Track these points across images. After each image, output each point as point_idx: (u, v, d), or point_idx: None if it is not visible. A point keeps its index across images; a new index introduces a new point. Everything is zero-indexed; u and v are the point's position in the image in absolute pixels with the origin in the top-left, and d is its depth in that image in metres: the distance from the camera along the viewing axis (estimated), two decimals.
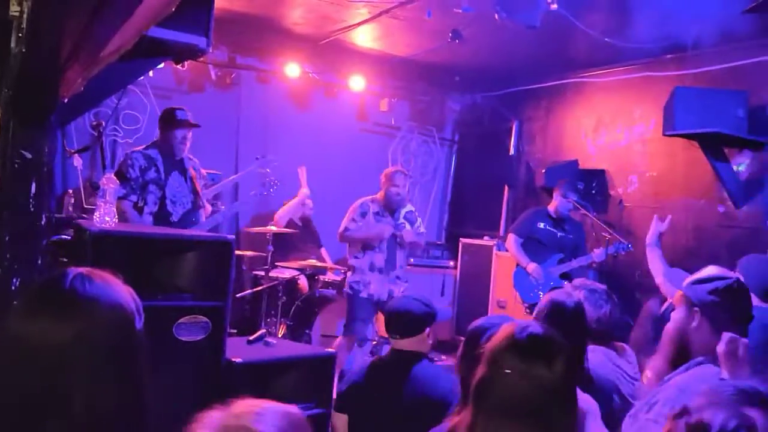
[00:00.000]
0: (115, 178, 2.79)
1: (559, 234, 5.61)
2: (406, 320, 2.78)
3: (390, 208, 5.21)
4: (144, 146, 4.34)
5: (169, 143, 4.32)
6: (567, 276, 5.55)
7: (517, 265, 5.69)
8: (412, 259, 6.78)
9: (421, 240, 5.55)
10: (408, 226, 5.25)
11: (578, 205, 5.61)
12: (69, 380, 1.12)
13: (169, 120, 4.33)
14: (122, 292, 1.24)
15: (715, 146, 4.97)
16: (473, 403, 1.53)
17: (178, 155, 4.35)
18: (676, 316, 2.15)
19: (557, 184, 5.71)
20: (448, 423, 1.87)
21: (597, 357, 2.63)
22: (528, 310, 5.59)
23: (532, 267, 5.52)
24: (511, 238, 5.78)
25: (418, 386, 2.64)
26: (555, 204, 5.63)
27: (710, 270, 2.17)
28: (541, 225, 5.63)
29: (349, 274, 5.33)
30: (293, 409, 1.14)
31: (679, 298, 2.16)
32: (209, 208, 4.70)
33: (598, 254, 5.36)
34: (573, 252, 5.64)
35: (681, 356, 2.08)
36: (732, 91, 4.88)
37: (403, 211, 5.28)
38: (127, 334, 1.21)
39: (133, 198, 4.13)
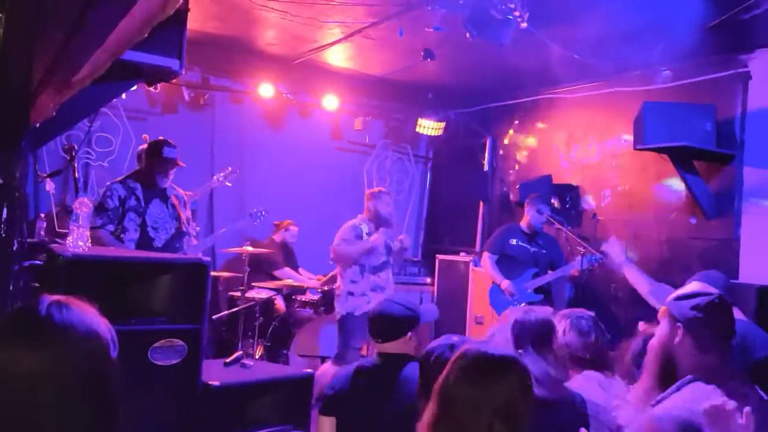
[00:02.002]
0: (88, 202, 2.77)
1: (532, 249, 5.66)
2: (387, 324, 2.77)
3: (379, 225, 5.22)
4: (124, 176, 4.35)
5: (152, 177, 4.32)
6: (542, 290, 5.60)
7: (493, 282, 5.73)
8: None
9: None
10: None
11: (552, 220, 5.67)
12: (41, 410, 1.10)
13: (156, 155, 4.32)
14: (97, 320, 1.22)
15: (685, 159, 5.06)
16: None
17: (161, 186, 4.35)
18: (660, 332, 2.17)
19: (528, 199, 5.77)
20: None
21: (590, 384, 2.64)
22: None
23: (505, 284, 5.55)
24: (486, 255, 5.82)
25: (406, 388, 2.62)
26: (527, 219, 5.69)
27: (694, 286, 2.21)
28: (514, 241, 5.68)
29: (341, 301, 5.22)
30: None
31: (662, 314, 2.18)
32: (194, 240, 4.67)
33: (571, 266, 5.42)
34: (548, 266, 5.68)
35: (667, 372, 2.09)
36: (700, 105, 4.98)
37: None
38: (101, 363, 1.19)
39: (110, 228, 4.14)
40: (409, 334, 2.77)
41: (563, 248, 5.88)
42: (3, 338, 1.15)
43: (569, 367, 2.71)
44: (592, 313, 2.89)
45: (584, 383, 2.60)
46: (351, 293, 5.13)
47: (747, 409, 1.80)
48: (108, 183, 4.34)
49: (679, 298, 2.14)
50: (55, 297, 1.21)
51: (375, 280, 5.14)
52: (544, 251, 5.67)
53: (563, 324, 2.74)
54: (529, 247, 5.65)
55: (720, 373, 1.99)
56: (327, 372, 4.97)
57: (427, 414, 1.62)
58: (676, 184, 5.33)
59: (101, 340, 1.20)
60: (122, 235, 4.15)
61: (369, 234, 5.20)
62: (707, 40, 4.51)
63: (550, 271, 5.62)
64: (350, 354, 5.04)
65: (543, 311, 2.68)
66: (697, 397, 1.92)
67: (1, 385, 1.11)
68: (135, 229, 4.19)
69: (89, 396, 1.15)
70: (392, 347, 2.75)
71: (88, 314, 1.21)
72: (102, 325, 1.22)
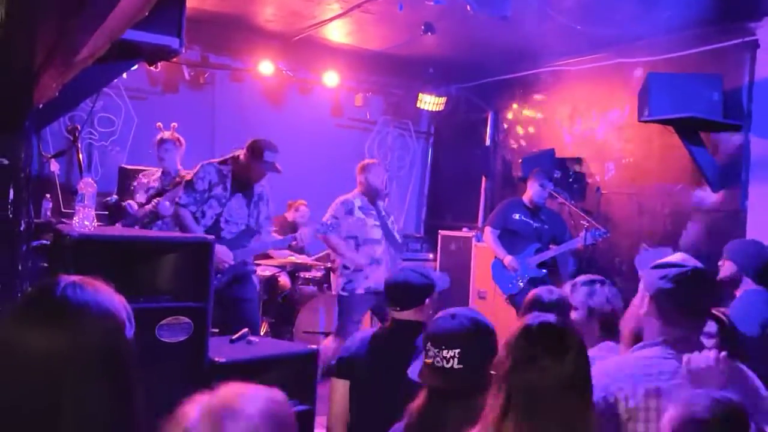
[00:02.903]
0: (92, 182, 2.77)
1: (534, 224, 5.66)
2: (406, 292, 2.79)
3: (372, 197, 5.17)
4: (221, 159, 4.29)
5: (248, 174, 4.29)
6: (546, 265, 5.61)
7: (495, 257, 5.74)
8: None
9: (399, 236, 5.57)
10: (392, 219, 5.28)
11: (555, 194, 5.67)
12: (59, 389, 1.11)
13: (257, 156, 4.27)
14: (113, 299, 1.23)
15: (690, 131, 5.02)
16: (495, 386, 1.57)
17: (249, 185, 4.34)
18: (635, 300, 2.10)
19: (531, 174, 5.76)
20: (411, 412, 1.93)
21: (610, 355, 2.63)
22: (508, 301, 5.64)
23: (508, 259, 5.56)
24: (488, 230, 5.81)
25: (412, 356, 2.66)
26: (530, 193, 5.67)
27: (675, 257, 2.09)
28: (517, 216, 5.67)
29: (338, 275, 5.19)
30: (276, 392, 1.16)
31: (641, 282, 2.11)
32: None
33: (575, 242, 5.42)
34: (551, 241, 5.69)
35: (637, 342, 2.04)
36: (706, 74, 4.90)
37: (381, 204, 5.27)
38: (117, 341, 1.21)
39: (193, 209, 4.12)
40: (427, 301, 2.80)
41: (567, 222, 5.88)
42: (21, 318, 1.17)
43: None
44: (604, 279, 2.88)
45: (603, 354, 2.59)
46: (346, 267, 5.09)
47: (722, 354, 1.78)
48: (203, 162, 4.30)
49: (653, 267, 2.04)
50: (71, 277, 1.22)
51: (371, 253, 5.11)
52: (546, 226, 5.67)
53: (602, 291, 2.72)
54: (531, 222, 5.65)
55: (683, 343, 1.91)
56: (329, 347, 5.01)
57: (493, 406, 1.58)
58: (682, 155, 5.29)
59: (117, 319, 1.22)
60: (200, 219, 4.14)
61: (362, 209, 5.14)
62: (714, 7, 4.45)
63: (552, 246, 5.62)
64: (350, 327, 5.02)
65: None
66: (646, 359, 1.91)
67: (20, 364, 1.13)
68: (211, 216, 4.17)
69: (106, 374, 1.17)
70: (409, 315, 2.77)
71: (104, 293, 1.22)
72: (118, 303, 1.24)
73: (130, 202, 4.96)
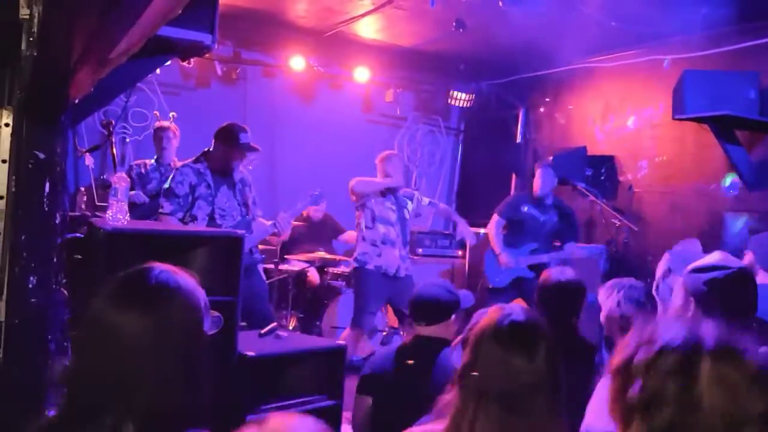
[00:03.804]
0: (126, 177, 2.81)
1: (542, 217, 5.56)
2: (433, 307, 2.80)
3: (393, 188, 5.19)
4: (194, 159, 4.21)
5: (226, 163, 4.18)
6: (536, 269, 5.46)
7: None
8: (420, 249, 6.80)
9: (432, 210, 5.57)
10: (410, 206, 5.26)
11: (586, 192, 5.59)
12: (143, 371, 1.19)
13: (231, 141, 4.15)
14: (197, 289, 1.31)
15: (726, 129, 4.92)
16: (459, 388, 1.53)
17: (233, 173, 4.24)
18: (675, 303, 2.09)
19: (539, 163, 5.70)
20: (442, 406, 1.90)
21: None
22: (489, 292, 5.57)
23: (503, 257, 5.51)
24: (494, 218, 5.73)
25: (441, 373, 2.66)
26: (536, 184, 5.58)
27: (714, 257, 2.08)
28: (525, 208, 5.58)
29: (356, 248, 5.17)
30: (321, 424, 1.15)
31: (679, 285, 2.09)
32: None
33: (572, 252, 5.32)
34: (555, 237, 5.59)
35: None
36: (743, 72, 4.81)
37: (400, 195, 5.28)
38: (197, 330, 1.29)
39: (179, 215, 4.03)
40: (453, 317, 2.81)
41: (597, 221, 5.80)
42: (117, 301, 1.24)
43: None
44: (641, 283, 2.85)
45: None
46: (363, 238, 5.09)
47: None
48: (178, 167, 4.22)
49: (694, 270, 2.03)
50: (163, 265, 1.30)
51: (386, 232, 5.07)
52: (555, 219, 5.58)
53: (615, 296, 2.70)
54: (539, 215, 5.56)
55: None
56: (347, 338, 5.03)
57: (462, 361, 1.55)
58: (717, 154, 5.18)
59: (200, 306, 1.29)
60: (191, 224, 4.04)
61: (381, 192, 5.17)
62: (750, 4, 4.36)
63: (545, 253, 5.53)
64: (365, 319, 5.02)
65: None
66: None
67: (114, 344, 1.20)
68: (203, 218, 4.09)
69: (184, 360, 1.23)
70: (435, 330, 2.78)
71: (190, 283, 1.30)
72: (200, 294, 1.31)
73: (138, 192, 5.02)
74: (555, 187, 5.62)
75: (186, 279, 1.30)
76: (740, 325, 1.95)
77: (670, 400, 1.04)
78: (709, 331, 1.13)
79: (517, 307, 1.61)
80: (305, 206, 4.93)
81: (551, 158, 6.45)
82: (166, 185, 4.13)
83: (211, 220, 4.12)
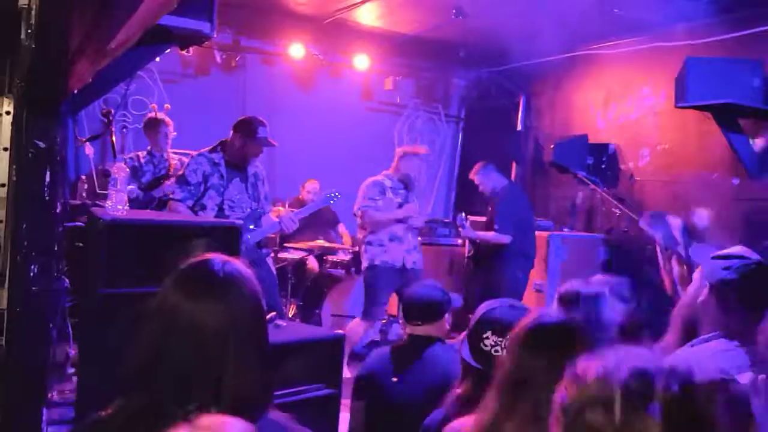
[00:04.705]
0: (125, 167, 2.81)
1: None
2: (427, 307, 2.86)
3: (405, 183, 5.17)
4: (210, 148, 4.18)
5: (242, 155, 4.15)
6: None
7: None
8: (419, 238, 6.80)
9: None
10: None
11: (587, 180, 5.59)
12: (223, 360, 1.25)
13: (249, 134, 4.13)
14: (253, 278, 1.39)
15: (729, 117, 4.89)
16: (495, 387, 1.55)
17: (245, 166, 4.22)
18: (690, 289, 2.11)
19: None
20: (453, 400, 1.91)
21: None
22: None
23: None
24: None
25: (430, 369, 2.71)
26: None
27: (737, 249, 2.09)
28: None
29: (363, 251, 5.16)
30: (250, 427, 1.13)
31: (697, 272, 2.12)
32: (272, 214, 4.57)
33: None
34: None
35: (688, 330, 2.04)
36: (746, 60, 4.76)
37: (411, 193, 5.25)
38: (261, 314, 1.37)
39: (189, 203, 4.02)
40: (446, 316, 2.87)
41: (598, 209, 5.79)
42: (192, 293, 1.31)
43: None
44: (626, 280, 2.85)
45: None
46: (370, 243, 5.09)
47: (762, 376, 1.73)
48: (193, 155, 4.20)
49: (715, 257, 2.06)
50: (224, 256, 1.38)
51: (393, 230, 5.08)
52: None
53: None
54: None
55: (742, 335, 1.90)
56: (355, 328, 5.04)
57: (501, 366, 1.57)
58: (719, 142, 5.14)
59: (259, 294, 1.38)
60: (200, 213, 4.04)
61: (393, 189, 5.12)
62: None
63: None
64: (376, 310, 5.04)
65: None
66: (718, 352, 1.89)
67: (196, 334, 1.27)
68: (213, 208, 4.08)
69: (255, 339, 1.33)
70: (427, 330, 2.84)
71: (249, 271, 1.38)
72: (256, 281, 1.39)
73: (133, 188, 4.99)
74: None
75: (245, 267, 1.39)
76: (752, 318, 1.95)
77: None
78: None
79: (551, 311, 1.69)
80: (318, 206, 4.93)
81: (552, 146, 6.45)
82: (180, 172, 4.14)
83: (220, 211, 4.11)
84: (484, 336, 2.03)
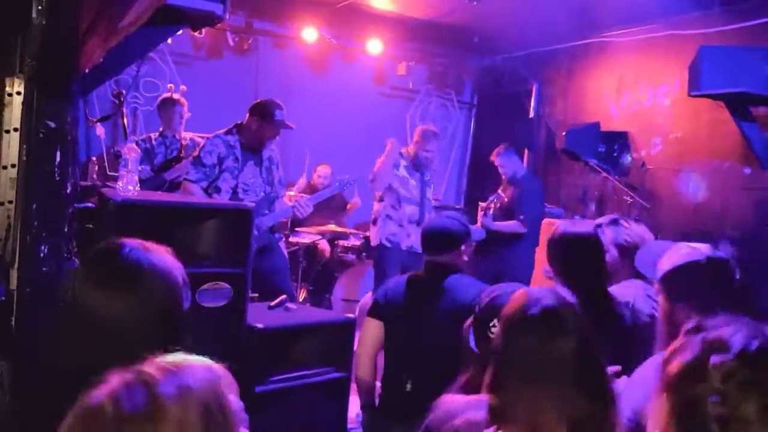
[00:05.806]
0: (136, 147, 2.81)
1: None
2: (443, 237, 2.88)
3: (418, 166, 5.19)
4: (225, 130, 4.17)
5: (258, 138, 4.14)
6: None
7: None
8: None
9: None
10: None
11: (599, 168, 5.55)
12: (125, 345, 1.17)
13: (266, 117, 4.12)
14: (173, 265, 1.30)
15: (742, 106, 4.85)
16: (496, 371, 1.52)
17: (260, 149, 4.20)
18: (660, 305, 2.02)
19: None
20: (459, 387, 1.90)
21: (637, 291, 2.56)
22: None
23: None
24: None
25: (449, 296, 2.75)
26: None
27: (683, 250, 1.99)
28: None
29: (378, 226, 5.15)
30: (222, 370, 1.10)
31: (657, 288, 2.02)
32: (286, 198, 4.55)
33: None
34: None
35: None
36: (761, 48, 4.71)
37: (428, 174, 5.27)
38: (174, 305, 1.28)
39: (203, 184, 4.02)
40: (463, 247, 2.88)
41: (609, 197, 5.75)
42: (94, 280, 1.25)
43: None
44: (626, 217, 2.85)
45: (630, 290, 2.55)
46: (389, 216, 5.10)
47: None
48: (209, 137, 4.19)
49: (664, 266, 1.98)
50: (134, 241, 1.29)
51: (412, 213, 5.12)
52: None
53: (609, 233, 2.69)
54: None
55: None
56: (367, 303, 5.05)
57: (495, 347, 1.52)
58: (731, 131, 5.10)
59: (176, 282, 1.29)
60: (214, 195, 4.04)
61: (406, 168, 5.16)
62: None
63: None
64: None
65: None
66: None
67: (93, 325, 1.21)
68: (227, 190, 4.07)
69: (163, 333, 1.23)
70: (444, 259, 2.86)
71: (164, 258, 1.30)
72: (176, 269, 1.31)
73: (145, 167, 5.00)
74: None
75: (160, 256, 1.28)
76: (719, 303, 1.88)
77: (754, 418, 0.91)
78: None
79: (543, 291, 1.57)
80: (333, 192, 4.94)
81: (564, 133, 6.39)
82: (196, 153, 4.13)
83: (234, 194, 4.10)
84: (491, 324, 2.01)
